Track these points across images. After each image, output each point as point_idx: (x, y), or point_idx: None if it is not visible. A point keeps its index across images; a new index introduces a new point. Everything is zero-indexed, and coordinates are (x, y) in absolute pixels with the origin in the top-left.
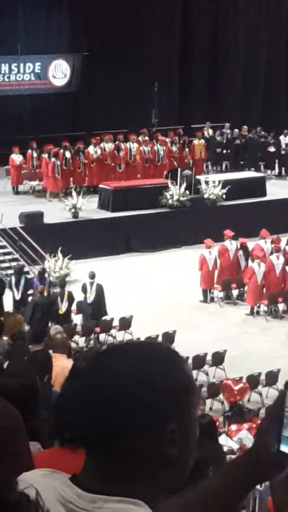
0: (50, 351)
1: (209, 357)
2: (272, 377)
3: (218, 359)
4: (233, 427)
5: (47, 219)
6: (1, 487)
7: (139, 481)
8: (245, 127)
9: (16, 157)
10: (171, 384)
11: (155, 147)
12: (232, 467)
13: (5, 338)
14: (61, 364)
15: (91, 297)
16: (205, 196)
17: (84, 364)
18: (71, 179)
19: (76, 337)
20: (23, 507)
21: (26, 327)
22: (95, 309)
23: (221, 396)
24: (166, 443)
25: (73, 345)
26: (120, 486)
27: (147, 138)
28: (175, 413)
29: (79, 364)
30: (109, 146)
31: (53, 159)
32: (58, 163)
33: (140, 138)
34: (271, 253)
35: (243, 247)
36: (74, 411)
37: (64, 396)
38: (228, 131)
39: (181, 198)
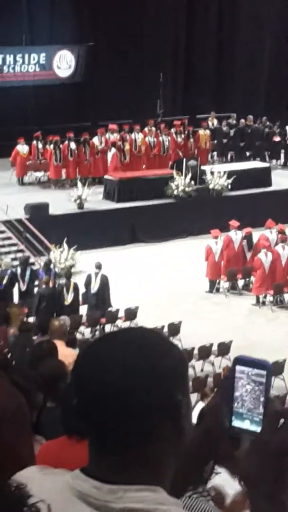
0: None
1: (215, 348)
2: (278, 367)
3: (224, 349)
4: None
5: (52, 210)
6: None
7: (155, 463)
8: (250, 117)
9: (22, 148)
10: (173, 361)
11: (160, 138)
12: (188, 446)
13: (11, 330)
14: (59, 352)
15: (95, 287)
16: (211, 186)
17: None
18: (77, 170)
19: (82, 328)
20: (16, 502)
21: (32, 319)
22: (99, 300)
23: None
24: (181, 416)
25: (78, 336)
26: (136, 473)
27: (153, 128)
28: (181, 387)
29: None
30: (114, 137)
31: (51, 146)
32: (58, 151)
33: (146, 128)
34: (277, 243)
35: (247, 237)
36: (84, 402)
37: (70, 386)
38: (234, 121)
39: (187, 189)
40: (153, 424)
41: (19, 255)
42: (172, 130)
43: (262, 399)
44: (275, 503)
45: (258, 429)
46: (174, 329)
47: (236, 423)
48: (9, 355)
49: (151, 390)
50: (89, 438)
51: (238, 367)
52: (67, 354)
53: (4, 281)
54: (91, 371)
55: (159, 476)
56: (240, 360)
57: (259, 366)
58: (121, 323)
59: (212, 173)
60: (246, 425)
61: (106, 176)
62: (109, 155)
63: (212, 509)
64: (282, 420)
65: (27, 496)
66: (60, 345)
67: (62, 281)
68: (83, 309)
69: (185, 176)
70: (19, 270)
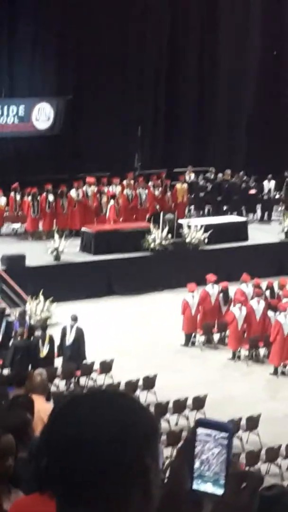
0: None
1: (190, 401)
2: (252, 422)
3: (199, 403)
4: None
5: (29, 262)
6: None
7: None
8: (228, 171)
9: None
10: (145, 424)
11: (138, 191)
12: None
13: None
14: (38, 407)
15: (70, 339)
16: (187, 240)
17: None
18: (54, 221)
19: (57, 380)
20: None
21: (5, 371)
22: (73, 352)
23: None
24: (150, 481)
25: (53, 388)
26: None
27: (132, 181)
28: (151, 452)
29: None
30: (91, 189)
31: (29, 198)
32: (36, 203)
33: (124, 181)
34: (252, 298)
35: (224, 291)
36: (56, 459)
37: (43, 443)
38: (213, 175)
39: (163, 242)
40: (121, 486)
41: None
42: (150, 183)
43: (225, 462)
44: None
45: (220, 491)
46: (149, 382)
47: (200, 486)
48: None
49: (124, 452)
50: (57, 497)
51: (201, 430)
52: (47, 409)
53: None
54: (64, 431)
55: None
56: (202, 423)
57: (221, 428)
58: (96, 376)
59: (189, 226)
60: (209, 487)
61: (83, 229)
62: (108, 207)
63: None
64: (244, 483)
65: None
66: (41, 400)
67: (38, 333)
68: (58, 361)
69: (162, 230)
70: None
